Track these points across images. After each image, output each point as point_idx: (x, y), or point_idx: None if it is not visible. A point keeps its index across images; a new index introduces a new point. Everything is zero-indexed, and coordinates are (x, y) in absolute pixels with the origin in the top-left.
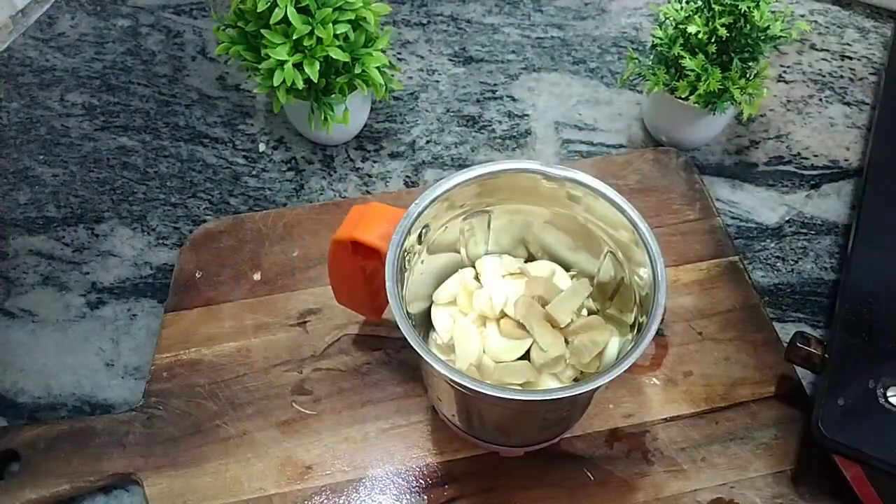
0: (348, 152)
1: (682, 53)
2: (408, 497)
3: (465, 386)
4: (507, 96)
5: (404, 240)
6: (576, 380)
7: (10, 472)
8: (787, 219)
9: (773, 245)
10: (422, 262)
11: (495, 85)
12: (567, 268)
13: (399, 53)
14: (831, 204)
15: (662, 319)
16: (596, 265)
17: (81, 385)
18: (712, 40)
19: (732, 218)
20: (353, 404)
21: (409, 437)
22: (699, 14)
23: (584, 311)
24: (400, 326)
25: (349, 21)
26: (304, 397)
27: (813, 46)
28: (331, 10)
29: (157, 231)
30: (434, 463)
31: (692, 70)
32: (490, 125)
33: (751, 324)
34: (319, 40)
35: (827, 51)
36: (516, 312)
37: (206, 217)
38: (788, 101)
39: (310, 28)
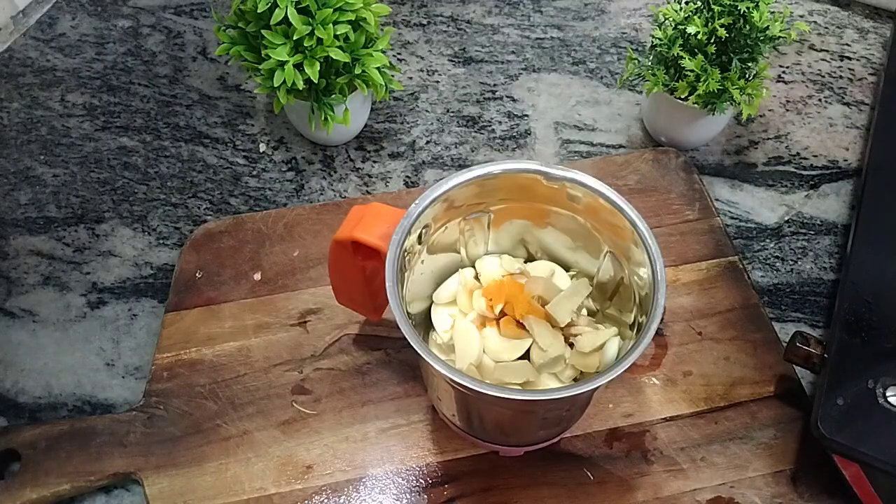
0: (348, 152)
1: (682, 54)
2: (408, 497)
3: (465, 386)
4: (507, 97)
5: (404, 240)
6: (575, 380)
7: (11, 472)
8: (786, 219)
9: (772, 245)
10: (422, 262)
11: (495, 85)
12: (567, 268)
13: (399, 54)
14: (830, 204)
15: (662, 319)
16: (595, 265)
17: (82, 385)
18: (712, 41)
19: (732, 218)
20: (353, 404)
21: (409, 437)
22: (698, 15)
23: (584, 311)
24: (400, 326)
25: (349, 22)
26: (305, 397)
27: (812, 47)
28: (331, 10)
29: (157, 231)
30: (434, 463)
31: (691, 70)
32: (490, 125)
33: (750, 324)
34: (320, 41)
35: (826, 51)
36: (516, 312)
37: (207, 217)
38: (788, 101)
39: (310, 29)
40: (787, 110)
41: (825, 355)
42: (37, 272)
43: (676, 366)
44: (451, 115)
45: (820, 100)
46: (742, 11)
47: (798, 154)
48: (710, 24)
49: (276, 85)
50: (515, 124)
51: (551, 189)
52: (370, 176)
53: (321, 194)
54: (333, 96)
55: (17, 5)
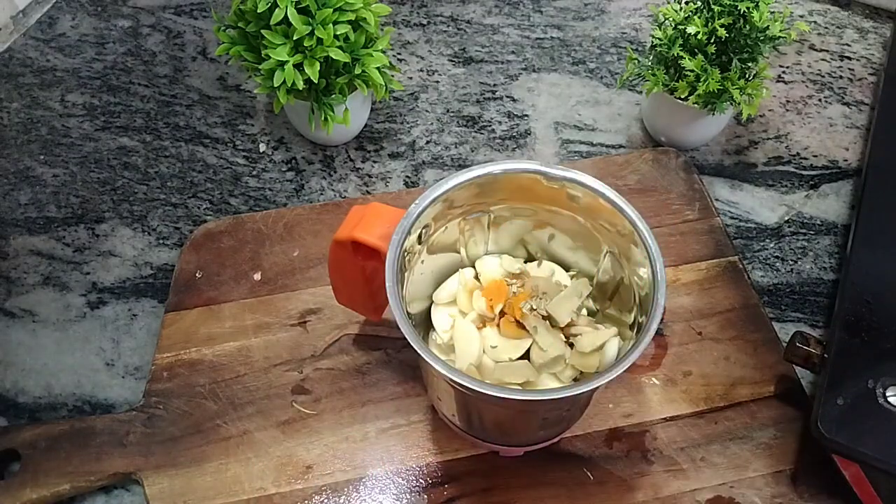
0: (348, 152)
1: (682, 54)
2: (408, 497)
3: (465, 386)
4: (507, 97)
5: (404, 240)
6: (575, 380)
7: (11, 472)
8: (786, 219)
9: (772, 245)
10: (422, 262)
11: (495, 85)
12: (567, 268)
13: (399, 54)
14: (830, 204)
15: (662, 319)
16: (595, 265)
17: (82, 385)
18: (711, 41)
19: (732, 218)
20: (353, 404)
21: (409, 437)
22: (698, 15)
23: (584, 311)
24: (400, 326)
25: (349, 22)
26: (305, 397)
27: (812, 47)
28: (331, 10)
29: (157, 231)
30: (434, 463)
31: (691, 70)
32: (490, 125)
33: (750, 323)
34: (320, 41)
35: (826, 51)
36: (516, 312)
37: (207, 217)
38: (788, 101)
39: (310, 29)
40: (787, 110)
41: (825, 355)
42: (37, 272)
43: (676, 366)
44: (451, 115)
45: (820, 100)
46: (742, 11)
47: (798, 154)
48: (710, 24)
49: (276, 85)
50: (515, 124)
51: (551, 189)
52: (370, 176)
53: (321, 194)
54: (333, 96)
55: (17, 5)
